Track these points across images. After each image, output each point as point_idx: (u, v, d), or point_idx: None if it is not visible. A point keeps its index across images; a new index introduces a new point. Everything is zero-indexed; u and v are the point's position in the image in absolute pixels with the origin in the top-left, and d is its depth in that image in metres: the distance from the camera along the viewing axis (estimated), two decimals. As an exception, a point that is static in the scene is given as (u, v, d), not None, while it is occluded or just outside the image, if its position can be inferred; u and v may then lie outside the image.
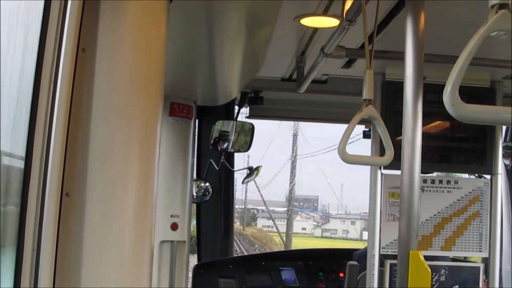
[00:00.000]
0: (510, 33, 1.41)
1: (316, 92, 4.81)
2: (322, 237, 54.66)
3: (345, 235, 55.80)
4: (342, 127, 2.74)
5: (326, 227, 60.56)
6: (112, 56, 1.75)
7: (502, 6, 1.41)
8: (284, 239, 33.83)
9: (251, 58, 3.50)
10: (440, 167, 4.26)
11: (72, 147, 1.62)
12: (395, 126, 3.54)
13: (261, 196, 35.07)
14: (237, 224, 47.83)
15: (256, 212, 55.92)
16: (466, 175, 4.54)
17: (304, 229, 57.65)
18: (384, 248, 4.02)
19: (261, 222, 56.37)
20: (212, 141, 5.02)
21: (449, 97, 1.37)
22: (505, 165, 5.10)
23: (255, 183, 35.89)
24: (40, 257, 1.49)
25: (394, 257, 3.80)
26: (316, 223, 60.39)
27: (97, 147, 1.69)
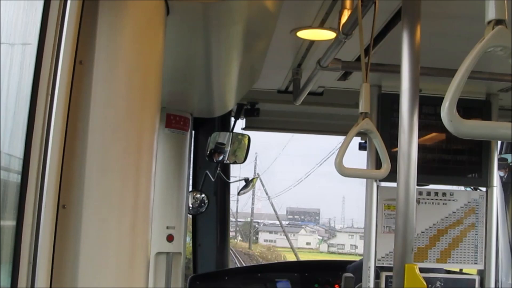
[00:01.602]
0: (506, 49, 1.41)
1: (312, 104, 4.82)
2: (329, 252, 52.63)
3: (354, 250, 53.71)
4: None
5: (333, 241, 58.24)
6: (110, 69, 1.75)
7: (498, 22, 1.41)
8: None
9: (248, 71, 3.51)
10: (435, 180, 4.26)
11: (69, 159, 1.62)
12: (391, 138, 3.54)
13: (273, 208, 33.46)
14: (238, 240, 44.80)
15: (256, 225, 54.40)
16: (461, 188, 4.55)
17: (308, 243, 55.30)
18: (379, 260, 4.02)
19: (262, 236, 54.80)
20: (208, 152, 5.03)
21: (447, 113, 1.38)
22: (500, 177, 5.11)
23: (266, 193, 34.41)
24: (36, 269, 1.49)
25: (389, 269, 3.80)
26: (321, 238, 58.23)
27: (94, 159, 1.68)
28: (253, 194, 41.63)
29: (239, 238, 46.04)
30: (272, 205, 32.73)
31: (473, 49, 1.40)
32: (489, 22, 1.43)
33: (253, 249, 38.64)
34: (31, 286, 1.47)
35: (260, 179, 35.35)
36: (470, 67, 1.40)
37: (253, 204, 44.15)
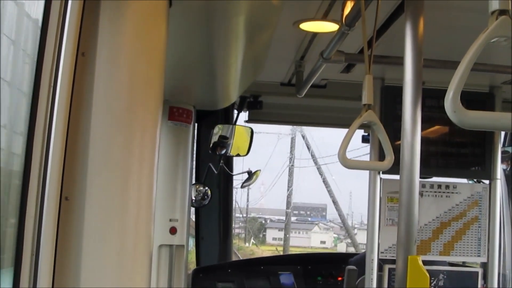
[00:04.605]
0: (510, 39, 1.41)
1: (315, 97, 4.81)
2: (348, 253, 47.70)
3: (378, 250, 49.16)
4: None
5: (351, 240, 54.18)
6: (112, 60, 1.74)
7: (502, 12, 1.41)
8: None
9: (251, 63, 3.50)
10: (439, 172, 4.26)
11: (71, 151, 1.62)
12: (394, 130, 3.54)
13: (326, 182, 27.25)
14: (250, 244, 36.91)
15: (264, 221, 50.32)
16: (465, 180, 4.54)
17: (323, 242, 49.60)
18: (382, 252, 4.02)
19: (270, 234, 51.77)
20: (211, 145, 5.02)
21: (451, 104, 1.37)
22: (503, 170, 5.11)
23: (313, 157, 27.88)
24: (39, 260, 1.49)
25: (392, 261, 3.80)
26: (336, 235, 51.62)
27: (96, 151, 1.68)
28: (291, 156, 31.74)
29: (252, 241, 40.95)
30: (321, 175, 27.30)
31: (477, 40, 1.40)
32: (492, 13, 1.43)
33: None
34: (34, 276, 1.47)
35: (306, 139, 30.22)
36: (474, 57, 1.40)
37: (290, 173, 33.05)
